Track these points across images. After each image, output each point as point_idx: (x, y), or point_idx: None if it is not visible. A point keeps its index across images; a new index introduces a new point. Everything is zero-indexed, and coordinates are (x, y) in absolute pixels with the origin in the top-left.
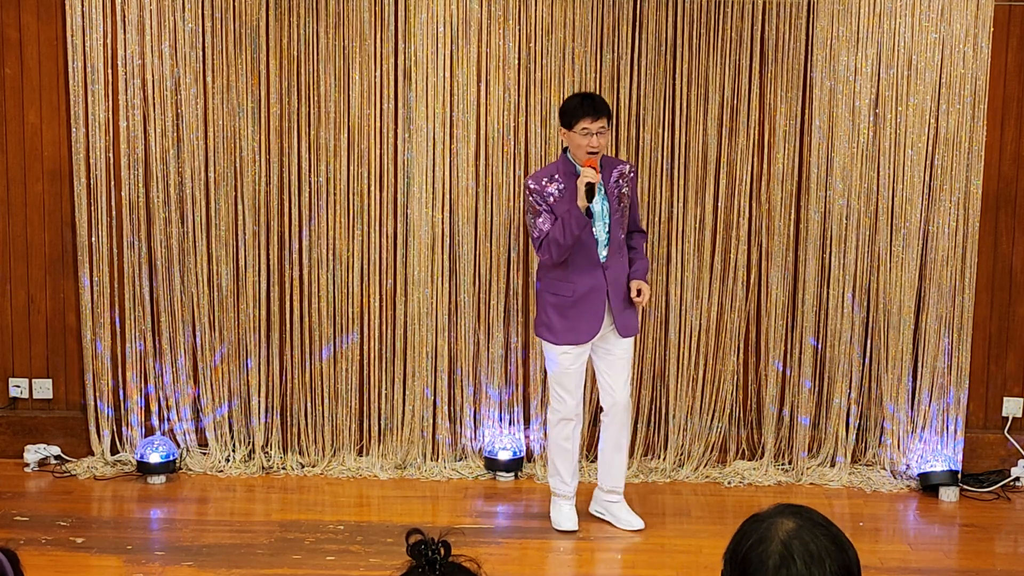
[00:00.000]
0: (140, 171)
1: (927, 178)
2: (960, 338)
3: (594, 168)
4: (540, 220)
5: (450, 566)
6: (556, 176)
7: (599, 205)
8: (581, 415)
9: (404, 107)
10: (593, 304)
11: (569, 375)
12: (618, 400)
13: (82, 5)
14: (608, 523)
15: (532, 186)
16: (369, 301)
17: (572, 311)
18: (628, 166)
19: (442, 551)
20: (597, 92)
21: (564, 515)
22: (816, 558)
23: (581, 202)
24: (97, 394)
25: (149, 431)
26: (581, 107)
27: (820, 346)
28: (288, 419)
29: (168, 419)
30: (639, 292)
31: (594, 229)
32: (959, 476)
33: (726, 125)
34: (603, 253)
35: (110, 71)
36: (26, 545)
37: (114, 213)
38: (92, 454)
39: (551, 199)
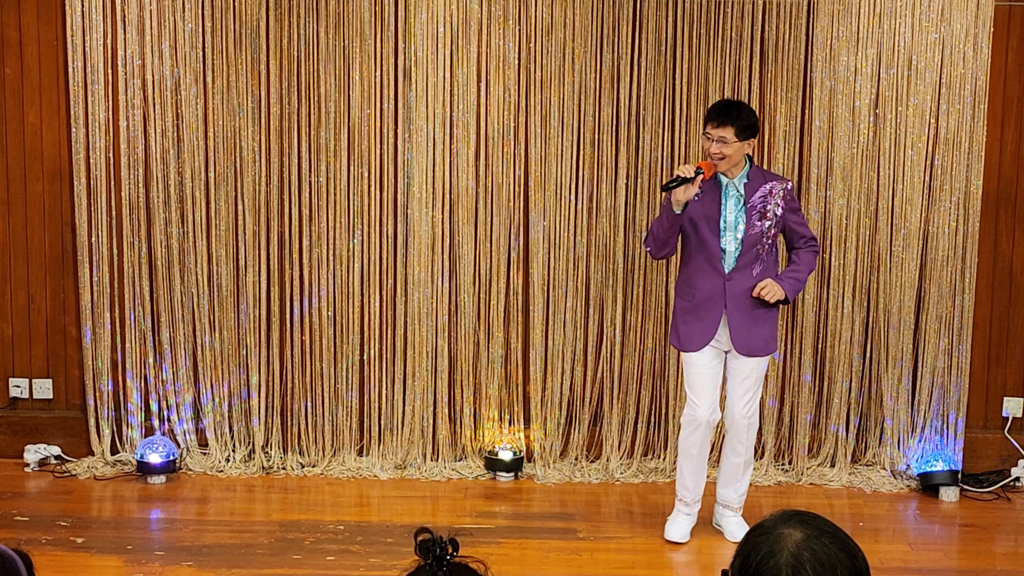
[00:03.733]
0: (140, 171)
1: (927, 178)
2: (960, 338)
3: (703, 169)
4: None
5: (457, 566)
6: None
7: (733, 215)
8: (714, 423)
9: (404, 107)
10: (709, 313)
11: (698, 377)
12: (731, 415)
13: (82, 5)
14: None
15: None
16: (369, 301)
17: (691, 317)
18: (785, 184)
19: (450, 548)
20: (597, 92)
21: (675, 523)
22: (827, 567)
23: (682, 196)
24: (97, 394)
25: (149, 431)
26: (710, 112)
27: (820, 346)
28: (288, 419)
29: (168, 419)
30: (765, 287)
31: (722, 240)
32: (959, 476)
33: None
34: (728, 264)
35: (110, 71)
36: (26, 545)
37: (114, 213)
38: (92, 454)
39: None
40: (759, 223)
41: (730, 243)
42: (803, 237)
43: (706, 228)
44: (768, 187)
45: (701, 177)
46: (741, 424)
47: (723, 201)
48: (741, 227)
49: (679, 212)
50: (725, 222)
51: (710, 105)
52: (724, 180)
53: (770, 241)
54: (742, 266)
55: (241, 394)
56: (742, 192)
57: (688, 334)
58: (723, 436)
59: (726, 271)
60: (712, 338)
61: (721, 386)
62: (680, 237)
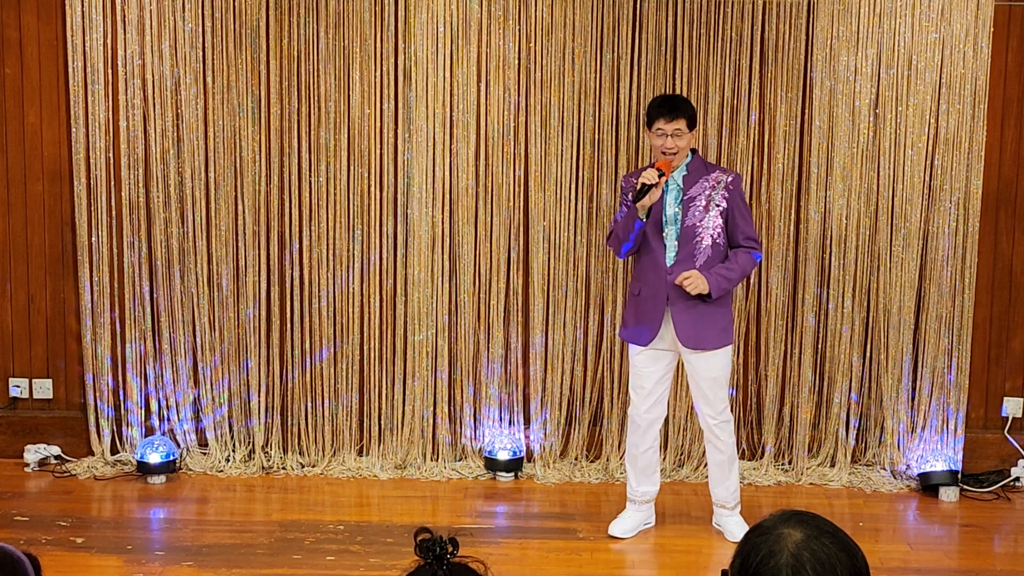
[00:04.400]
0: (140, 171)
1: (927, 178)
2: (960, 338)
3: (662, 170)
4: (618, 213)
5: (457, 566)
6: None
7: (672, 209)
8: (655, 424)
9: (404, 107)
10: (654, 308)
11: (640, 377)
12: (701, 419)
13: (82, 5)
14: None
15: (623, 180)
16: (369, 301)
17: (638, 312)
18: (729, 176)
19: (450, 548)
20: (597, 92)
21: (620, 519)
22: (828, 567)
23: (647, 201)
24: (97, 394)
25: (149, 431)
26: (658, 107)
27: (820, 346)
28: (288, 419)
29: (168, 419)
30: (688, 278)
31: (664, 235)
32: (959, 476)
33: (726, 125)
34: (669, 258)
35: (110, 71)
36: (26, 545)
37: (114, 213)
38: (92, 454)
39: (631, 194)
40: (697, 216)
41: (670, 237)
42: (744, 234)
43: (650, 225)
44: (712, 178)
45: (663, 179)
46: (711, 426)
47: (665, 196)
48: (679, 222)
49: (645, 219)
50: (665, 216)
51: (653, 102)
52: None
53: (714, 234)
54: (682, 259)
55: (241, 394)
56: (681, 185)
57: (636, 330)
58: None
59: (667, 265)
60: (657, 334)
61: (669, 390)
62: None
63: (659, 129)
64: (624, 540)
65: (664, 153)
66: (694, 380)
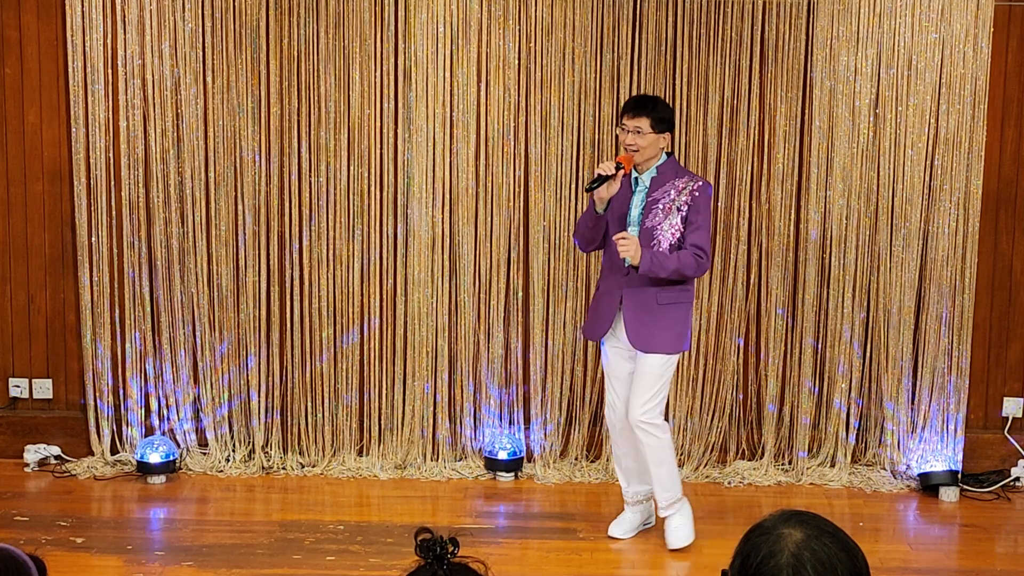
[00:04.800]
0: (140, 171)
1: (927, 178)
2: (960, 338)
3: (622, 164)
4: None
5: (457, 566)
6: None
7: (637, 210)
8: (624, 421)
9: (404, 107)
10: (608, 306)
11: (607, 374)
12: (629, 414)
13: (82, 5)
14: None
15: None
16: (369, 301)
17: (595, 308)
18: (697, 183)
19: (450, 548)
20: (597, 92)
21: (617, 521)
22: (828, 567)
23: (605, 194)
24: (97, 394)
25: (149, 431)
26: (625, 104)
27: (820, 346)
28: (288, 419)
29: (168, 419)
30: (624, 237)
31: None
32: (959, 476)
33: (726, 125)
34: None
35: (110, 71)
36: (26, 545)
37: (114, 213)
38: (92, 454)
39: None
40: (658, 219)
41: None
42: (692, 243)
43: (616, 225)
44: (679, 183)
45: (622, 172)
46: (633, 424)
47: (632, 197)
48: (640, 222)
49: (603, 211)
50: (630, 217)
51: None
52: (635, 175)
53: (672, 239)
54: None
55: (241, 394)
56: (647, 186)
57: (590, 325)
58: None
59: (625, 265)
60: (606, 330)
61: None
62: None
63: (623, 125)
64: (624, 540)
65: (625, 149)
66: (636, 375)
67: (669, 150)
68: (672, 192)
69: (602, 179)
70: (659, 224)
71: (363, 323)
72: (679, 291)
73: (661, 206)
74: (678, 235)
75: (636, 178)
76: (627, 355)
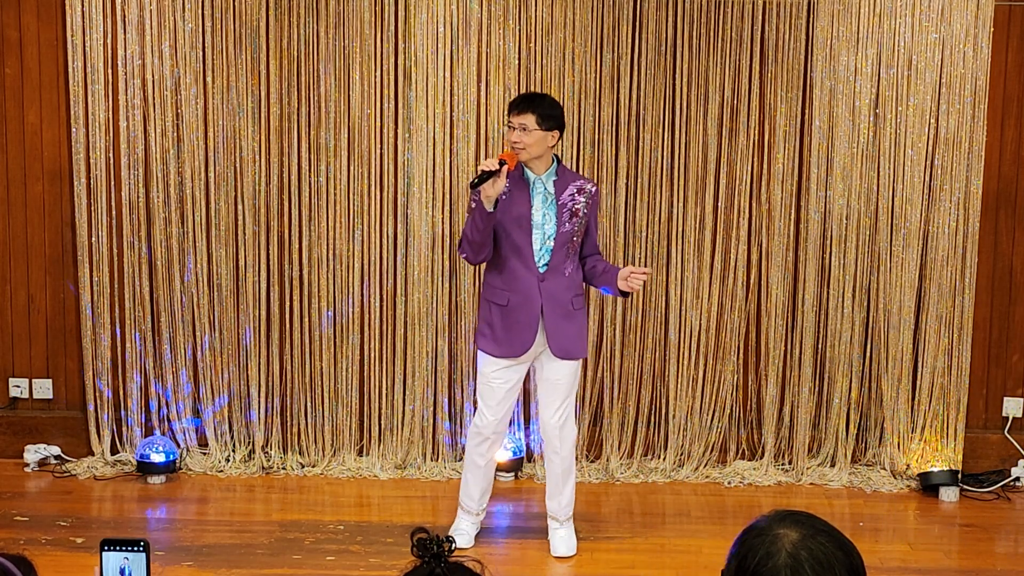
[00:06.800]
0: (140, 171)
1: (927, 178)
2: (960, 338)
3: (505, 160)
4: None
5: (454, 565)
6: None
7: (541, 213)
8: (501, 435)
9: (404, 107)
10: (527, 317)
11: (492, 390)
12: (543, 422)
13: (82, 5)
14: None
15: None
16: (369, 301)
17: (507, 322)
18: (592, 185)
19: (447, 546)
20: (597, 92)
21: (460, 530)
22: (826, 566)
23: (492, 192)
24: (97, 394)
25: (149, 431)
26: (512, 100)
27: (820, 346)
28: (288, 419)
29: (168, 419)
30: (631, 275)
31: (532, 238)
32: (959, 476)
33: (726, 125)
34: (541, 264)
35: (110, 71)
36: (26, 545)
37: (114, 213)
38: (92, 454)
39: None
40: (569, 222)
41: (538, 242)
42: (595, 245)
43: (517, 229)
44: (576, 186)
45: (506, 168)
46: (553, 432)
47: (532, 199)
48: (551, 226)
49: (492, 209)
50: (534, 221)
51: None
52: (532, 177)
53: (579, 240)
54: (555, 265)
55: (241, 394)
56: (551, 190)
57: (507, 340)
58: (542, 446)
59: (540, 271)
60: (531, 343)
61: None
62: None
63: (509, 121)
64: (622, 540)
65: (511, 147)
66: (548, 382)
67: (557, 151)
68: (576, 195)
69: (485, 176)
70: (572, 228)
71: (363, 323)
72: (583, 296)
73: (571, 209)
74: (582, 233)
75: (533, 180)
76: (522, 368)
